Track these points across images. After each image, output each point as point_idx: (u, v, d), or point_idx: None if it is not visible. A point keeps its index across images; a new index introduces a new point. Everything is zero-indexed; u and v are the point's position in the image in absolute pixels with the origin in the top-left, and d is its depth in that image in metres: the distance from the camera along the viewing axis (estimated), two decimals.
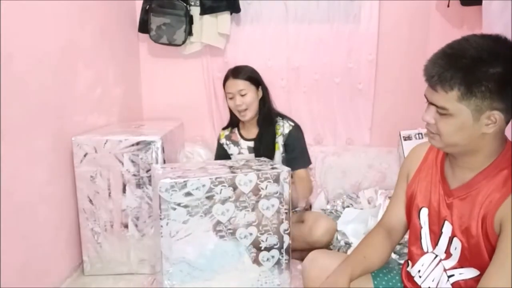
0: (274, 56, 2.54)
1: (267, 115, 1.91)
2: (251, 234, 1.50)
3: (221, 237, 1.46)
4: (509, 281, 0.83)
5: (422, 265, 1.09)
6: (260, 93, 1.89)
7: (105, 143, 1.75)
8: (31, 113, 1.54)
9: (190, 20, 2.40)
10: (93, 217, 1.80)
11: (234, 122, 1.99)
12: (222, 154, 2.01)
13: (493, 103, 0.87)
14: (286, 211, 1.53)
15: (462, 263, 0.99)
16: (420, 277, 1.09)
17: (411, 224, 1.14)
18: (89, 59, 1.98)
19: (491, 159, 0.94)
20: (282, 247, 1.54)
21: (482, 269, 0.92)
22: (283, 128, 1.89)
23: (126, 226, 1.82)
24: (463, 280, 0.98)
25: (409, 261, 1.15)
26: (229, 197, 1.44)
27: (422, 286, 1.08)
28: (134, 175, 1.77)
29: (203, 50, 2.54)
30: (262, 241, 1.51)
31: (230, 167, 1.56)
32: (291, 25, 2.49)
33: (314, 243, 1.79)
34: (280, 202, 1.50)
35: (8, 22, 1.40)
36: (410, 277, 1.14)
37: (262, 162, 1.65)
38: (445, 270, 1.03)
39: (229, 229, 1.47)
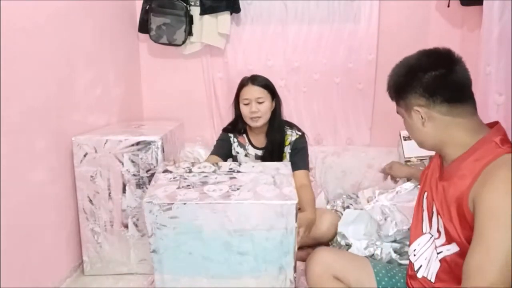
0: (274, 56, 2.54)
1: (278, 128, 1.93)
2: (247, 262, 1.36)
3: (213, 260, 1.35)
4: (487, 255, 0.87)
5: (418, 245, 1.16)
6: (273, 105, 1.91)
7: (105, 143, 1.75)
8: (31, 113, 1.54)
9: (190, 20, 2.40)
10: (93, 217, 1.80)
11: (240, 129, 1.98)
12: (224, 150, 1.97)
13: (416, 98, 1.05)
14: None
15: (449, 240, 1.05)
16: (414, 255, 1.16)
17: (416, 207, 1.22)
18: (89, 59, 1.98)
19: (464, 148, 1.03)
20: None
21: (460, 245, 1.00)
22: (291, 137, 1.94)
23: (126, 226, 1.82)
24: (448, 255, 1.04)
25: (410, 246, 1.21)
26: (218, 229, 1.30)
27: (415, 264, 1.15)
28: (134, 175, 1.77)
29: (203, 50, 2.54)
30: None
31: (231, 185, 1.40)
32: (291, 25, 2.49)
33: (320, 238, 1.81)
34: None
35: (8, 22, 1.40)
36: (414, 277, 1.15)
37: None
38: (436, 247, 1.09)
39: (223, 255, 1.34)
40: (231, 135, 2.00)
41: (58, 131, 1.71)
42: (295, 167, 1.88)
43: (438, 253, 1.08)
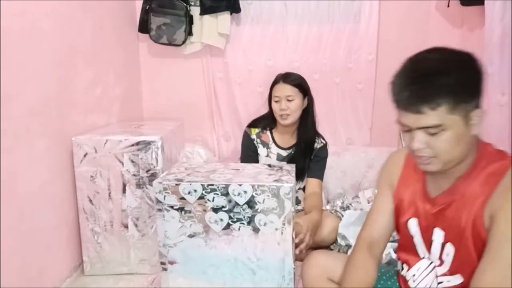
0: (274, 56, 2.54)
1: (311, 126, 1.92)
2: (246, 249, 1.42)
3: (215, 245, 1.42)
4: (502, 271, 0.83)
5: (418, 270, 1.09)
6: (305, 103, 1.89)
7: (105, 143, 1.75)
8: (31, 113, 1.54)
9: (190, 20, 2.40)
10: (93, 217, 1.80)
11: (268, 125, 1.97)
12: (251, 149, 1.96)
13: (474, 102, 0.89)
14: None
15: (452, 271, 0.99)
16: (414, 281, 1.09)
17: (401, 234, 1.13)
18: (89, 59, 1.98)
19: (469, 161, 0.95)
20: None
21: (469, 275, 0.92)
22: (317, 144, 1.94)
23: (126, 226, 1.82)
24: (449, 287, 0.99)
25: (403, 265, 1.14)
26: (223, 206, 1.39)
27: None
28: (134, 175, 1.77)
29: (203, 50, 2.54)
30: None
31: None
32: (291, 25, 2.49)
33: (321, 242, 1.81)
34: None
35: (8, 22, 1.40)
36: (405, 281, 1.14)
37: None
38: (436, 276, 1.03)
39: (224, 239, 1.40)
40: (253, 136, 1.97)
41: (58, 131, 1.71)
42: (311, 174, 1.91)
43: (438, 283, 1.02)
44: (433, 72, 0.88)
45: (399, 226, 1.13)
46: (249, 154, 1.96)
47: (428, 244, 1.05)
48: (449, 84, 0.87)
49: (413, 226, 1.08)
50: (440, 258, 1.02)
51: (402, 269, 1.15)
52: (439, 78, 0.87)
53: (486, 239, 0.89)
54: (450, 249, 0.98)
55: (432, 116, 0.87)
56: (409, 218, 1.09)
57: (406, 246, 1.12)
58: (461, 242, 0.95)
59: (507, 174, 0.89)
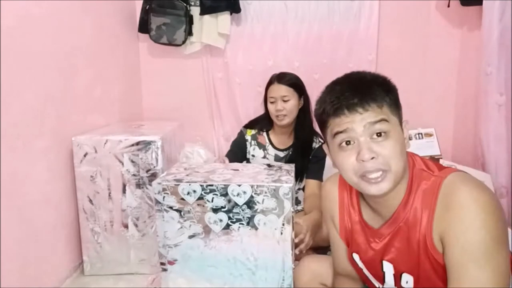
0: (274, 56, 2.54)
1: (308, 126, 1.90)
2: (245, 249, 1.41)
3: (214, 245, 1.42)
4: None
5: None
6: (302, 103, 1.88)
7: (105, 143, 1.75)
8: (31, 113, 1.54)
9: (190, 20, 2.40)
10: (93, 217, 1.80)
11: (264, 126, 1.96)
12: (240, 150, 1.95)
13: (401, 114, 0.90)
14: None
15: None
16: None
17: (353, 266, 1.08)
18: (89, 59, 1.98)
19: (404, 184, 0.90)
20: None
21: None
22: (315, 143, 1.93)
23: (126, 226, 1.82)
24: None
25: None
26: (222, 207, 1.38)
27: None
28: (134, 175, 1.77)
29: (203, 50, 2.54)
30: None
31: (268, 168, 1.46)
32: (291, 25, 2.49)
33: (321, 242, 1.80)
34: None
35: (8, 22, 1.40)
36: None
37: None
38: None
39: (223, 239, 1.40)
40: (248, 137, 1.97)
41: (58, 131, 1.71)
42: (310, 175, 1.90)
43: None
44: (374, 79, 0.90)
45: (348, 257, 1.09)
46: (235, 150, 1.94)
47: (378, 276, 1.01)
48: (389, 89, 0.88)
49: (357, 260, 1.04)
50: (399, 286, 0.97)
51: None
52: (380, 84, 0.88)
53: (443, 261, 0.85)
54: (408, 278, 0.93)
55: (378, 112, 0.84)
56: (353, 253, 1.05)
57: (363, 278, 1.08)
58: (419, 269, 0.90)
59: (441, 190, 0.85)
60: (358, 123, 0.84)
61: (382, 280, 1.00)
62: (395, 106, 0.88)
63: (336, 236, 1.10)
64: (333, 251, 1.15)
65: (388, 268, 0.96)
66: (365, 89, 0.86)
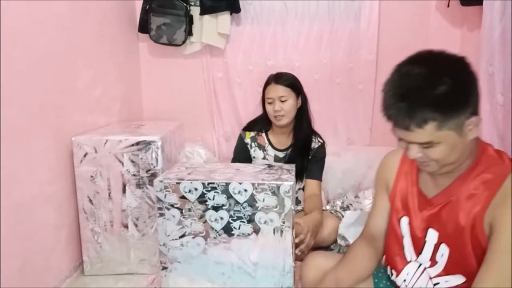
0: (274, 56, 2.54)
1: (306, 125, 1.91)
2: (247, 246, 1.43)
3: (215, 244, 1.43)
4: (502, 280, 0.83)
5: (407, 274, 1.08)
6: (299, 102, 1.88)
7: (105, 143, 1.75)
8: (31, 113, 1.54)
9: (190, 20, 2.40)
10: (93, 217, 1.80)
11: (263, 127, 1.96)
12: (243, 155, 1.95)
13: (467, 112, 0.86)
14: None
15: (448, 271, 0.98)
16: (406, 286, 1.08)
17: (392, 234, 1.12)
18: (89, 59, 1.98)
19: (468, 162, 0.94)
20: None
21: (469, 275, 0.92)
22: (314, 143, 1.92)
23: (126, 226, 1.82)
24: (449, 287, 0.98)
25: (393, 271, 1.13)
26: (223, 205, 1.40)
27: None
28: (134, 175, 1.77)
29: (203, 50, 2.54)
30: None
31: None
32: (291, 25, 2.49)
33: (321, 242, 1.80)
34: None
35: (8, 22, 1.40)
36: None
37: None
38: (430, 278, 1.02)
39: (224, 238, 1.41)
40: (247, 140, 1.96)
41: (58, 131, 1.71)
42: (310, 175, 1.90)
43: (434, 284, 1.01)
44: (419, 88, 0.85)
45: (391, 224, 1.13)
46: (240, 159, 1.94)
47: (418, 245, 1.05)
48: (436, 102, 0.83)
49: (405, 225, 1.08)
50: (433, 259, 1.01)
51: (392, 274, 1.14)
52: (426, 95, 0.84)
53: (485, 244, 0.89)
54: (444, 249, 0.98)
55: (420, 133, 0.86)
56: (402, 217, 1.09)
57: (394, 249, 1.11)
58: (457, 243, 0.95)
59: (507, 180, 0.88)
60: (404, 137, 0.91)
61: (419, 250, 1.04)
62: (446, 117, 0.84)
63: (384, 199, 1.16)
64: (370, 215, 1.22)
65: (432, 237, 1.01)
66: (406, 106, 0.86)
